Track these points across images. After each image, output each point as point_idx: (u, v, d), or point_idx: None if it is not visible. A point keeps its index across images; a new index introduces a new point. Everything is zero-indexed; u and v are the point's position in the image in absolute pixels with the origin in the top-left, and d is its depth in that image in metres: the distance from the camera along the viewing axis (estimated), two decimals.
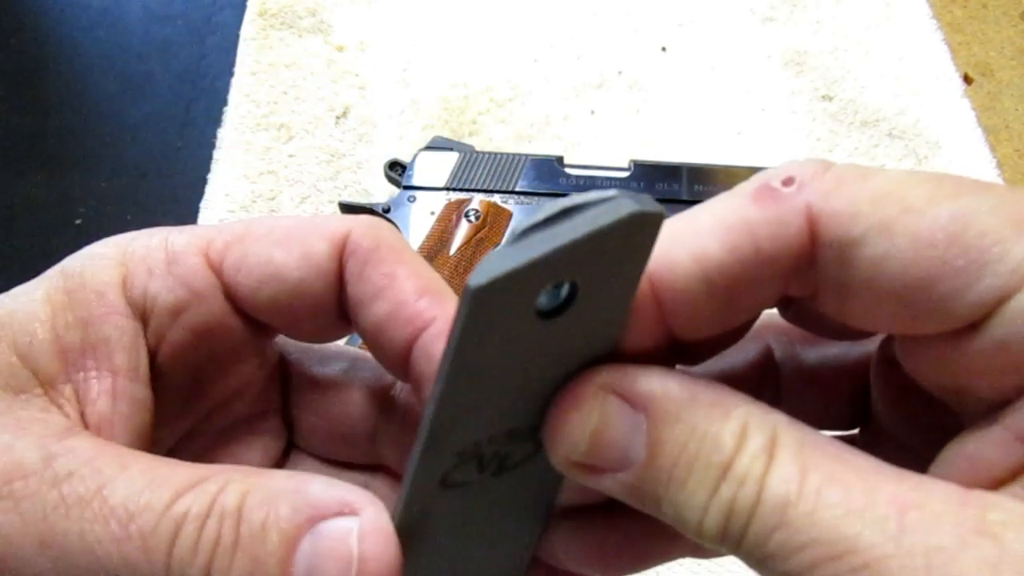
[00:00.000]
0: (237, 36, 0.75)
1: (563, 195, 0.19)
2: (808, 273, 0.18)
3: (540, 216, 0.16)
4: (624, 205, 0.16)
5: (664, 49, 0.78)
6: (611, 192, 0.16)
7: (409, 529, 0.20)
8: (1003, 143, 0.75)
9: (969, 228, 0.16)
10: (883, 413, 0.23)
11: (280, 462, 0.27)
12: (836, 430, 0.23)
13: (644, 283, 0.18)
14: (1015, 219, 0.16)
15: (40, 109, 0.71)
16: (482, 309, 0.16)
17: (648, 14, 0.81)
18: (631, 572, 0.23)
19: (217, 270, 0.23)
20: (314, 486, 0.19)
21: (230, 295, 0.23)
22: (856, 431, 0.24)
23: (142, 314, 0.22)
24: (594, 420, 0.18)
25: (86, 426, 0.21)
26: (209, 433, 0.26)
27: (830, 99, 0.75)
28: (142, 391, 0.22)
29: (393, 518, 0.19)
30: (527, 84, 0.74)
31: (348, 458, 0.27)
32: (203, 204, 0.65)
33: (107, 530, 0.18)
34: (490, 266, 0.16)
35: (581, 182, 0.63)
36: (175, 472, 0.19)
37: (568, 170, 0.64)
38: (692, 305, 0.18)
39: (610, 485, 0.18)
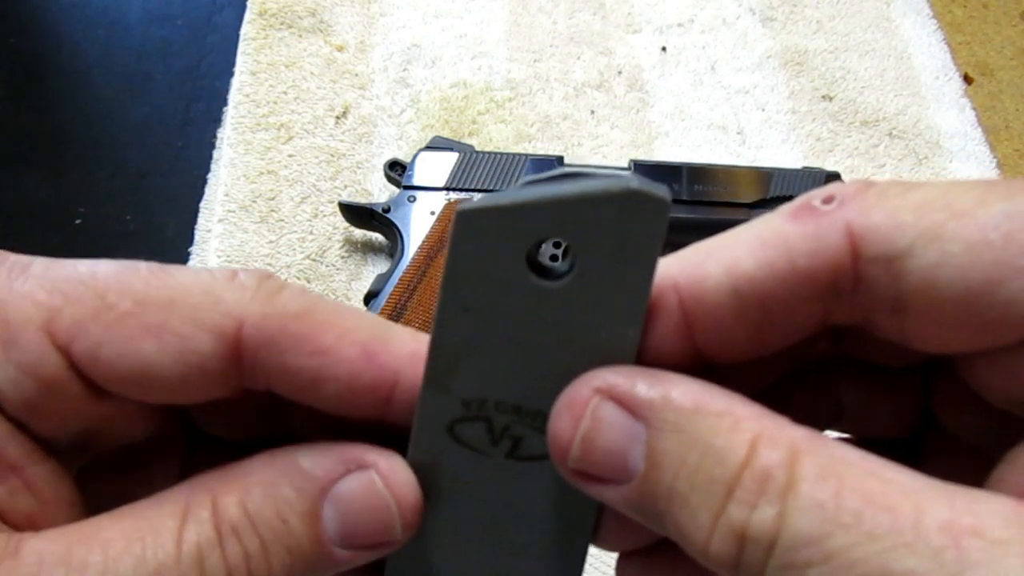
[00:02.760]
0: (237, 36, 0.75)
1: None
2: (854, 297, 0.17)
3: (545, 174, 0.16)
4: (624, 180, 0.16)
5: (664, 49, 0.78)
6: (626, 173, 0.16)
7: (421, 474, 0.20)
8: (1003, 143, 0.75)
9: None
10: (945, 418, 0.21)
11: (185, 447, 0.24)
12: (892, 433, 0.21)
13: (670, 290, 0.17)
14: None
15: (40, 109, 0.71)
16: (469, 235, 0.16)
17: (648, 14, 0.81)
18: None
19: (65, 351, 0.18)
20: (303, 461, 0.19)
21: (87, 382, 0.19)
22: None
23: None
24: (586, 424, 0.17)
25: (16, 527, 0.18)
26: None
27: (830, 99, 0.75)
28: (45, 468, 0.19)
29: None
30: (527, 84, 0.74)
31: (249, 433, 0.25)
32: (203, 204, 0.65)
33: None
34: (483, 199, 0.16)
35: None
36: (155, 517, 0.18)
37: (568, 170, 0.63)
38: (721, 320, 0.17)
39: (612, 497, 0.17)
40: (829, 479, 0.15)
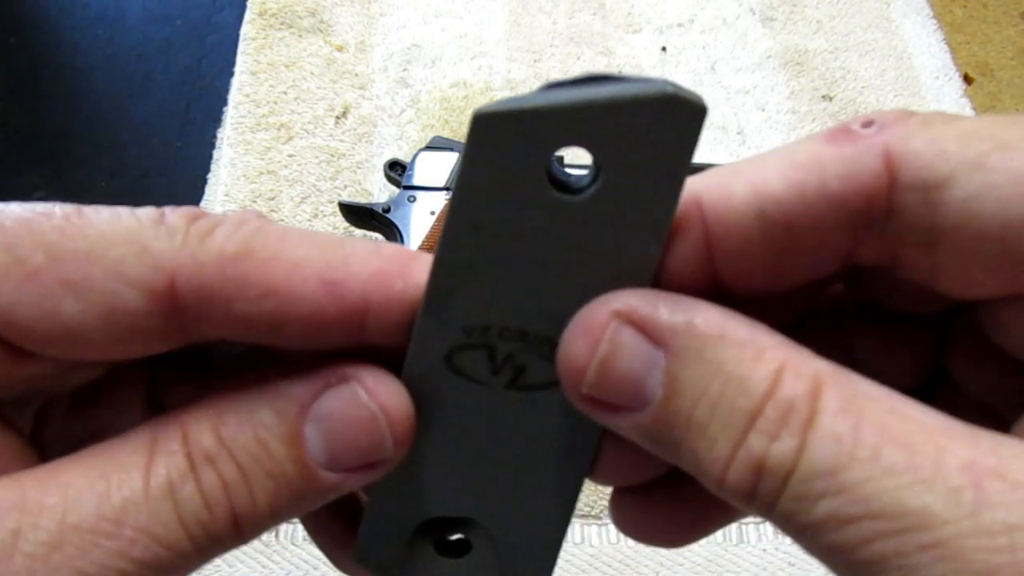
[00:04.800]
0: (237, 36, 0.75)
1: None
2: (884, 229, 0.16)
3: (569, 78, 0.15)
4: (659, 84, 0.15)
5: (664, 49, 0.78)
6: (656, 77, 0.15)
7: (415, 402, 0.18)
8: None
9: None
10: (958, 372, 0.20)
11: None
12: (904, 384, 0.20)
13: (692, 205, 0.16)
14: None
15: (40, 109, 0.71)
16: (486, 141, 0.15)
17: (648, 14, 0.81)
18: (697, 539, 0.21)
19: None
20: (279, 381, 0.17)
21: None
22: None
23: None
24: (604, 349, 0.16)
25: None
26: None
27: (830, 99, 0.75)
28: None
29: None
30: (527, 84, 0.74)
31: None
32: (203, 204, 0.65)
33: (105, 552, 0.15)
34: (502, 102, 0.15)
35: None
36: (118, 455, 0.16)
37: (568, 170, 0.63)
38: (744, 243, 0.16)
39: (625, 425, 0.17)
40: (849, 412, 0.14)
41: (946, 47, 0.80)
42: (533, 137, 0.15)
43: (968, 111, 0.75)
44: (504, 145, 0.15)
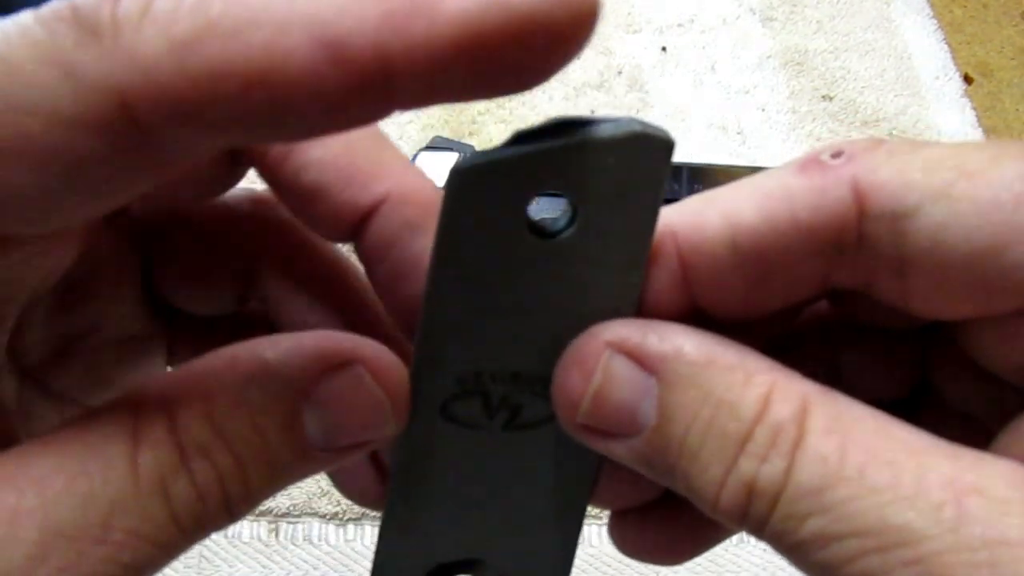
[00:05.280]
0: None
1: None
2: (856, 256, 0.16)
3: (536, 126, 0.15)
4: (625, 124, 0.15)
5: (664, 49, 0.78)
6: (621, 116, 0.15)
7: (410, 459, 0.18)
8: None
9: None
10: (942, 384, 0.20)
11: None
12: (891, 395, 0.21)
13: (668, 239, 0.17)
14: None
15: None
16: (465, 194, 0.15)
17: (648, 14, 0.81)
18: (695, 557, 0.21)
19: None
20: (273, 359, 0.16)
21: None
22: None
23: None
24: (598, 379, 0.17)
25: None
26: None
27: (830, 99, 0.75)
28: None
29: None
30: None
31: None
32: None
33: (93, 561, 0.14)
34: (477, 155, 0.15)
35: None
36: (97, 443, 0.15)
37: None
38: (719, 272, 0.17)
39: (620, 452, 0.17)
40: (836, 433, 0.15)
41: (946, 47, 0.80)
42: (509, 186, 0.15)
43: (968, 111, 0.75)
44: (482, 197, 0.16)
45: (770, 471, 0.15)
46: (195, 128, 0.12)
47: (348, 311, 0.21)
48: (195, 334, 0.23)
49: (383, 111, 0.14)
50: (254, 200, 0.21)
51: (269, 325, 0.21)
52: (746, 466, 0.15)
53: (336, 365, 0.16)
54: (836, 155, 0.16)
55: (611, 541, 0.22)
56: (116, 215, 0.19)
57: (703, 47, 0.79)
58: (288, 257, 0.21)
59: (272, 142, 0.16)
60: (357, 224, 0.18)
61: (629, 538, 0.21)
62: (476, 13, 0.11)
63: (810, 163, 0.16)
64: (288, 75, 0.12)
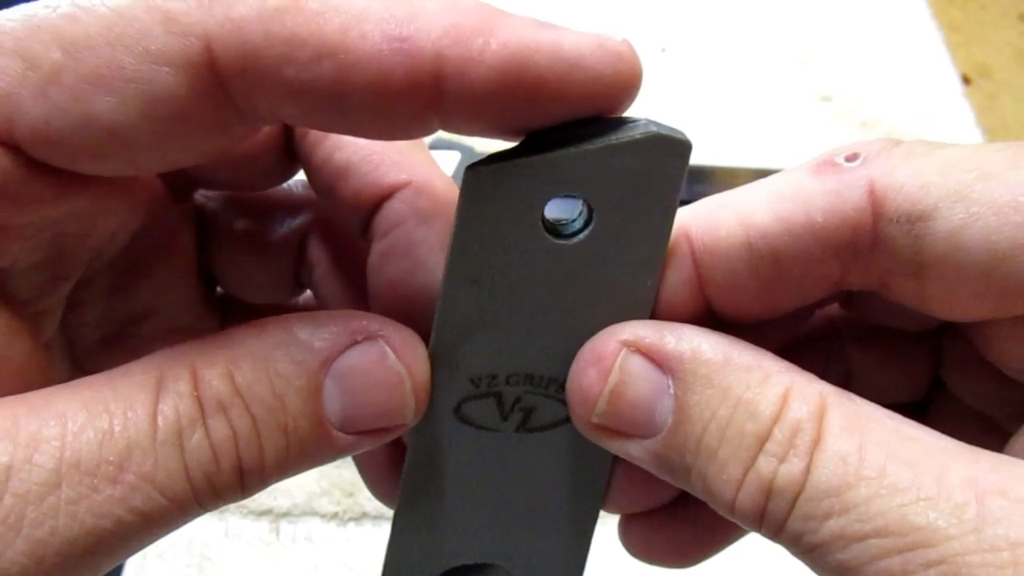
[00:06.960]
0: None
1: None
2: (870, 259, 0.16)
3: (551, 127, 0.15)
4: (642, 126, 0.15)
5: (664, 49, 0.78)
6: (639, 117, 0.15)
7: (423, 460, 0.18)
8: None
9: None
10: (955, 385, 0.20)
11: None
12: (903, 397, 0.21)
13: (683, 241, 0.17)
14: None
15: None
16: (480, 197, 0.15)
17: (648, 14, 0.81)
18: (706, 559, 0.21)
19: (4, 140, 0.14)
20: (300, 330, 0.16)
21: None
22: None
23: None
24: (614, 379, 0.16)
25: None
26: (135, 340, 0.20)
27: (830, 99, 0.75)
28: None
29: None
30: None
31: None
32: None
33: (104, 498, 0.14)
34: (493, 158, 0.15)
35: None
36: (122, 387, 0.15)
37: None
38: (733, 274, 0.17)
39: (635, 452, 0.17)
40: (854, 433, 0.15)
41: (945, 48, 0.80)
42: (526, 189, 0.15)
43: (967, 112, 0.75)
44: (498, 199, 0.16)
45: (788, 471, 0.15)
46: (264, 89, 0.14)
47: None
48: None
49: (428, 120, 0.15)
50: (310, 195, 0.22)
51: None
52: (764, 465, 0.15)
53: (360, 338, 0.16)
54: (851, 158, 0.16)
55: (622, 544, 0.22)
56: (181, 195, 0.20)
57: (703, 47, 0.79)
58: (336, 246, 0.22)
59: (325, 128, 0.16)
60: (375, 206, 0.18)
61: (641, 542, 0.21)
62: (530, 44, 0.14)
63: (825, 165, 0.16)
64: (355, 54, 0.14)
